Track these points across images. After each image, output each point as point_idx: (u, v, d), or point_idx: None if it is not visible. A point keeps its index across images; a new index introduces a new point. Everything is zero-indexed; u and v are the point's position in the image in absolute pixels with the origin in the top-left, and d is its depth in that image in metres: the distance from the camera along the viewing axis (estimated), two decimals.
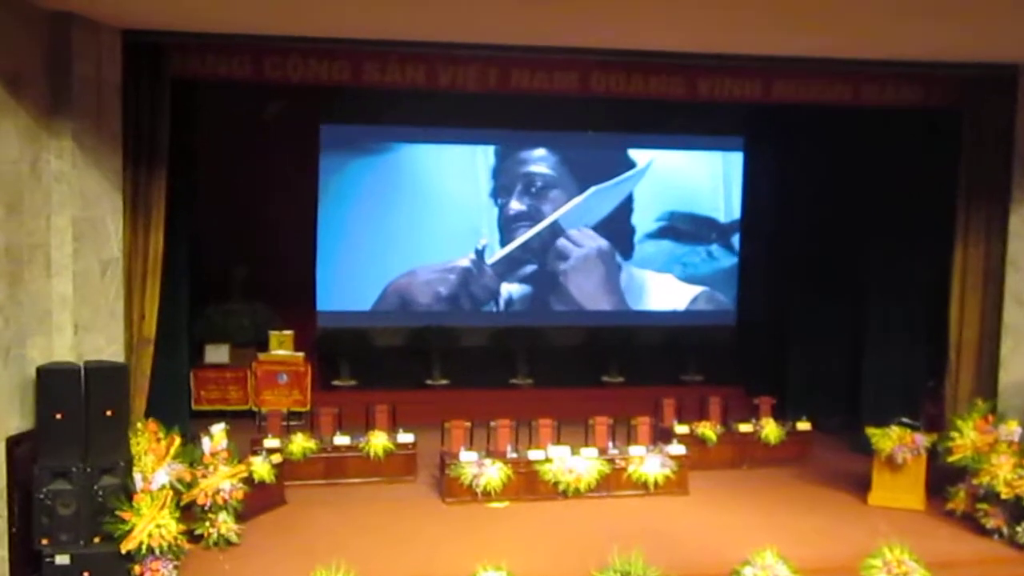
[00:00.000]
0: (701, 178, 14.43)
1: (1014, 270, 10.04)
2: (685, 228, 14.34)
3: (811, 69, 10.05)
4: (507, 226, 13.84)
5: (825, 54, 9.61)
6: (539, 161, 13.93)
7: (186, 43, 9.09)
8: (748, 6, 7.59)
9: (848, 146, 12.04)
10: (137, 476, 8.00)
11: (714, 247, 14.45)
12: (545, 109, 12.16)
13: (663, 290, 14.30)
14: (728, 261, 14.47)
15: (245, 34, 9.01)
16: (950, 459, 9.57)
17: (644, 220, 14.20)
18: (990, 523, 9.16)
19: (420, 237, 13.55)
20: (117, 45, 8.58)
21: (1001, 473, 9.10)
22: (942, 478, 9.77)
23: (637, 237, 14.21)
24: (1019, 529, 8.97)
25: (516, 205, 13.83)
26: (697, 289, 14.38)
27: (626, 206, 14.14)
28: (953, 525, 9.43)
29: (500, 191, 13.83)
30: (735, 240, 14.45)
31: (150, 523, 7.64)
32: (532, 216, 13.87)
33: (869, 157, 11.77)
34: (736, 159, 14.27)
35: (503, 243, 13.80)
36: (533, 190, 13.89)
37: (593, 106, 12.44)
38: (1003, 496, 9.05)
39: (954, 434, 9.62)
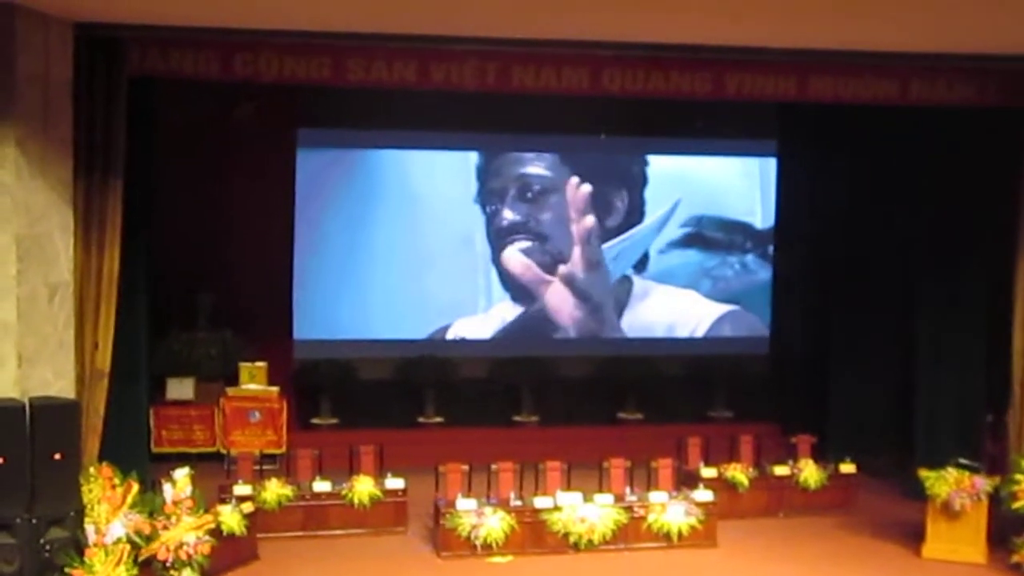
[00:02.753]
0: (733, 176, 14.40)
1: None
2: (715, 236, 14.30)
3: (852, 63, 10.10)
4: (500, 239, 13.83)
5: (868, 47, 9.67)
6: (534, 161, 13.89)
7: (145, 37, 9.13)
8: None
9: (894, 150, 12.07)
10: (89, 528, 7.98)
11: (749, 257, 14.42)
12: (550, 109, 12.17)
13: (686, 311, 14.27)
14: (765, 274, 14.40)
15: (213, 27, 9.06)
16: (1015, 505, 9.54)
17: (666, 226, 14.20)
18: None
19: (411, 254, 13.55)
20: (68, 39, 8.61)
21: None
22: (1006, 527, 9.72)
23: (658, 247, 14.21)
24: None
25: (509, 214, 13.81)
26: (724, 308, 14.33)
27: (639, 209, 14.12)
28: None
29: (489, 196, 13.81)
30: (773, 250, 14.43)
31: None
32: (529, 228, 13.83)
33: (918, 161, 11.78)
34: (769, 163, 14.27)
35: (494, 256, 13.79)
36: (529, 195, 13.85)
37: (606, 106, 12.47)
38: None
39: (1019, 476, 9.61)
